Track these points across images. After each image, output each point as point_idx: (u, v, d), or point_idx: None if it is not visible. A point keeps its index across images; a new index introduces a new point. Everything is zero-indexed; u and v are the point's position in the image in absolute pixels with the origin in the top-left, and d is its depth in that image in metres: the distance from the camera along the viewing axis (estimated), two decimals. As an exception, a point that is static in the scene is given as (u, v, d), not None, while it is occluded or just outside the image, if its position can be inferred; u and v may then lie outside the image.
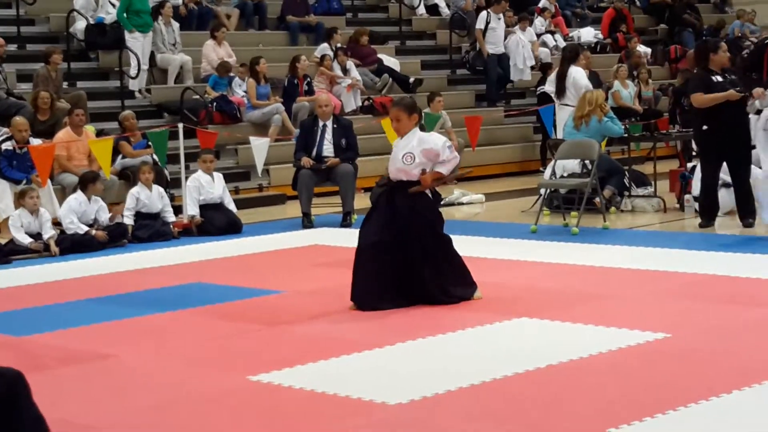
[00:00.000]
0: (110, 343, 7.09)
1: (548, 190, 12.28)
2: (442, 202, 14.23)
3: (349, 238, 11.47)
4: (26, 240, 10.98)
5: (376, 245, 7.75)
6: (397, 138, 8.03)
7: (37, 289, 9.31)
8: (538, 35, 21.38)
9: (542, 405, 5.43)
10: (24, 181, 12.22)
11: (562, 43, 21.59)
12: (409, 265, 7.76)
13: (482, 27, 19.31)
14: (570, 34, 22.30)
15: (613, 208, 12.57)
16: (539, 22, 21.76)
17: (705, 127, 11.10)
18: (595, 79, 15.23)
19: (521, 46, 19.74)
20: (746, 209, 11.21)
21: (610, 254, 9.94)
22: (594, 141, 12.00)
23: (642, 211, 12.70)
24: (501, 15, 19.48)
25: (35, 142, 12.63)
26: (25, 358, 6.83)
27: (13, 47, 16.41)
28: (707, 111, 11.03)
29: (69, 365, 6.58)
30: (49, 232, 11.15)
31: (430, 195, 8.04)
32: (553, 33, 21.83)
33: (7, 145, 12.49)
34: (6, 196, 12.24)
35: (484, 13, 19.38)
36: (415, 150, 7.82)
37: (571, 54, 14.46)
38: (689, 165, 12.80)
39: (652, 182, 13.27)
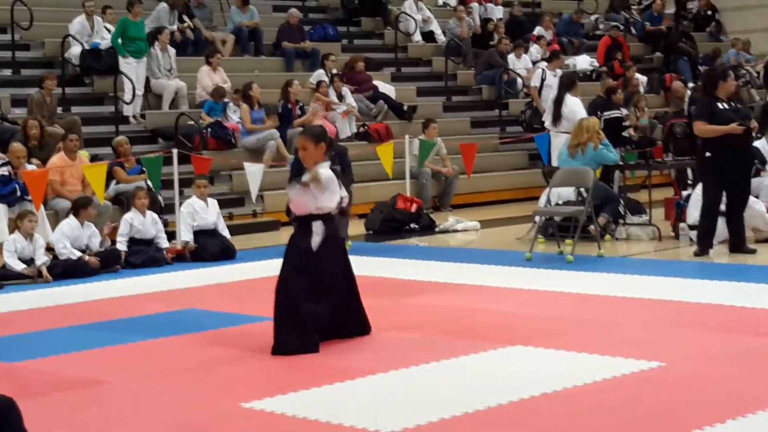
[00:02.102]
0: (103, 370, 7.05)
1: (543, 218, 12.27)
2: (437, 230, 14.25)
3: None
4: (19, 266, 10.94)
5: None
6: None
7: (29, 315, 9.27)
8: (534, 63, 21.42)
9: (536, 434, 5.40)
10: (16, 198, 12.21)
11: (558, 71, 21.63)
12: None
13: (538, 84, 18.37)
14: (565, 62, 22.34)
15: (608, 236, 12.56)
16: (535, 50, 21.81)
17: (708, 154, 11.11)
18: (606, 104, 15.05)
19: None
20: (737, 239, 11.24)
21: (604, 282, 9.91)
22: (589, 169, 12.01)
23: (637, 239, 12.69)
24: (556, 71, 18.39)
25: (29, 167, 12.61)
26: (17, 384, 6.79)
27: (7, 72, 16.42)
28: (710, 138, 11.05)
29: (61, 391, 6.54)
30: (41, 258, 11.11)
31: (315, 236, 7.50)
32: (549, 60, 21.85)
33: (3, 171, 12.46)
34: (1, 220, 12.21)
35: (539, 70, 18.50)
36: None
37: (568, 82, 14.49)
38: (684, 193, 12.80)
39: (647, 210, 13.26)
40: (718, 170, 11.10)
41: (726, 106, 11.16)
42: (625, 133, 14.80)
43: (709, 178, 11.28)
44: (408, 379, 6.54)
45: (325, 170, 7.50)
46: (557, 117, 14.13)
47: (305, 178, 7.48)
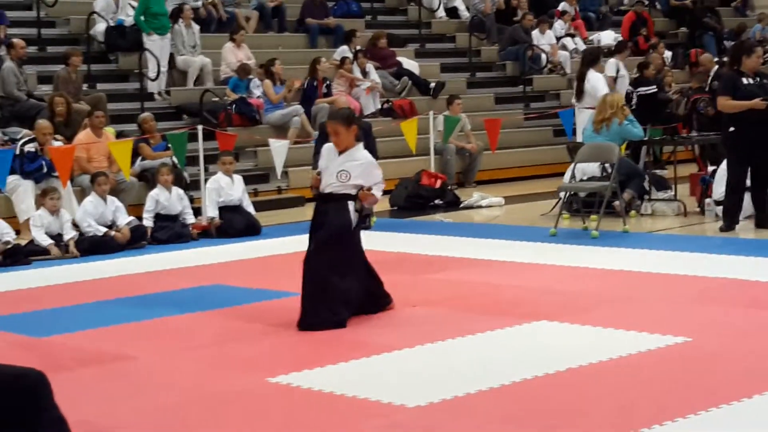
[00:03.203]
0: (129, 345, 7.09)
1: (568, 194, 12.24)
2: (461, 205, 14.24)
3: (367, 241, 11.43)
4: (46, 241, 11.01)
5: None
6: (331, 147, 7.65)
7: (56, 290, 9.33)
8: (558, 38, 21.34)
9: (562, 408, 5.40)
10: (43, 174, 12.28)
11: (582, 47, 21.55)
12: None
13: (613, 74, 17.18)
14: (590, 38, 22.25)
15: (633, 212, 12.51)
16: (559, 25, 21.72)
17: (732, 129, 11.07)
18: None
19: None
20: (763, 214, 11.19)
21: (629, 258, 9.89)
22: (614, 144, 11.95)
23: (662, 214, 12.64)
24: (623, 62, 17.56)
25: (55, 143, 12.67)
26: (44, 359, 6.84)
27: (33, 49, 16.46)
28: (734, 113, 11.00)
29: (88, 366, 6.59)
30: (69, 234, 11.18)
31: (352, 214, 7.56)
32: (572, 36, 21.79)
33: (30, 147, 12.53)
34: (28, 197, 12.29)
35: (613, 61, 17.44)
36: (353, 169, 7.51)
37: (591, 57, 14.42)
38: (710, 169, 12.74)
39: (673, 186, 13.21)
40: (741, 145, 11.05)
41: (751, 81, 11.09)
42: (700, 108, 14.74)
43: (733, 154, 11.23)
44: (433, 354, 6.56)
45: (364, 153, 7.61)
46: (580, 92, 14.08)
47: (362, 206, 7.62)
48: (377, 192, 7.63)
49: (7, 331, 7.64)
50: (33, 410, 1.88)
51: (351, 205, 7.53)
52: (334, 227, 7.49)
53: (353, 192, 7.54)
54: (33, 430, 1.85)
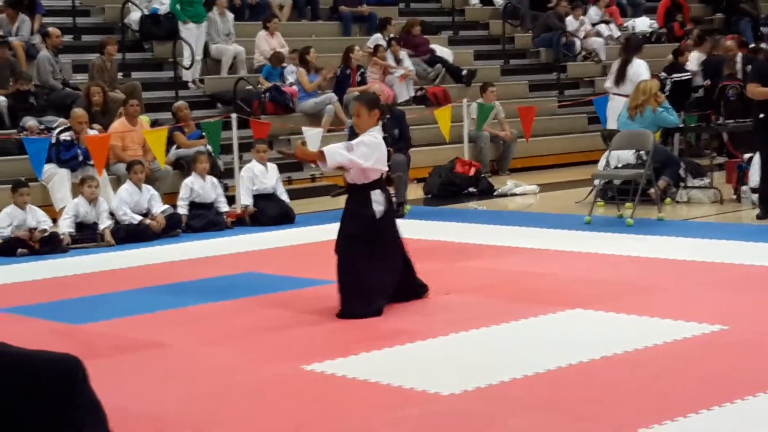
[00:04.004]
0: (164, 332, 7.14)
1: (602, 181, 12.18)
2: (495, 194, 14.21)
3: (401, 229, 11.45)
4: (68, 230, 11.01)
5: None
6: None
7: (92, 278, 9.40)
8: (593, 25, 21.23)
9: (595, 396, 5.39)
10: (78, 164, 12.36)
11: (616, 33, 21.45)
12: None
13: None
14: (624, 24, 22.12)
15: (668, 199, 12.44)
16: (593, 12, 21.61)
17: (762, 116, 11.01)
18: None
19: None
20: None
21: (665, 245, 9.84)
22: (648, 131, 11.89)
23: (698, 202, 12.57)
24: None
25: (91, 132, 12.74)
26: (80, 346, 6.90)
27: (68, 38, 16.53)
28: (764, 99, 10.96)
29: (124, 353, 6.63)
30: (105, 222, 11.25)
31: (375, 204, 7.48)
32: (607, 22, 21.66)
33: (65, 136, 12.61)
34: (64, 185, 12.37)
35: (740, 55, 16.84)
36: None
37: (636, 44, 14.36)
38: (746, 156, 12.65)
39: (709, 173, 13.13)
40: None
41: None
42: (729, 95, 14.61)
43: (766, 140, 11.18)
44: (467, 342, 6.55)
45: (369, 137, 7.44)
46: (621, 78, 14.00)
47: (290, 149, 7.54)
48: (333, 155, 7.32)
49: (46, 319, 7.70)
50: (69, 395, 1.89)
51: (374, 195, 7.48)
52: (361, 218, 7.47)
53: (375, 179, 7.48)
54: (69, 415, 1.87)
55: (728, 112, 15.55)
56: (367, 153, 7.36)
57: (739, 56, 16.88)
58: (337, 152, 7.32)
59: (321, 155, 7.36)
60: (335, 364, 6.09)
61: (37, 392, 1.90)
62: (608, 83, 14.54)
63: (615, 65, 14.66)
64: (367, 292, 7.33)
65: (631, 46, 14.26)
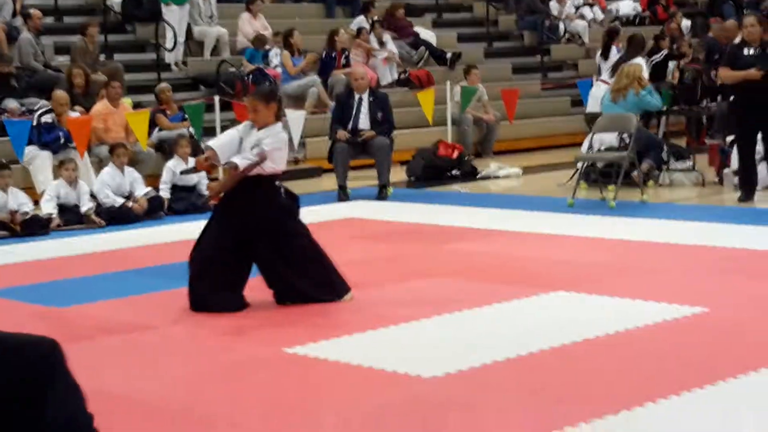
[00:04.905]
0: (148, 314, 7.13)
1: (586, 164, 12.20)
2: (478, 176, 14.21)
3: (384, 212, 11.50)
4: (52, 212, 10.99)
5: (214, 253, 7.22)
6: (250, 126, 7.35)
7: (74, 261, 9.37)
8: (576, 8, 21.23)
9: (578, 379, 5.41)
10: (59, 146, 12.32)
11: (600, 16, 21.45)
12: (262, 266, 7.24)
13: None
14: (608, 7, 22.13)
15: (651, 182, 12.48)
16: (577, -6, 21.61)
17: (732, 98, 11.14)
18: None
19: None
20: None
21: (647, 228, 9.86)
22: (631, 114, 11.91)
23: (680, 185, 12.61)
24: None
25: (73, 114, 12.69)
26: (64, 328, 6.89)
27: (50, 19, 16.44)
28: (737, 84, 11.06)
29: (108, 335, 6.62)
30: (86, 205, 11.21)
31: (280, 189, 7.31)
32: (591, 5, 21.66)
33: (47, 118, 12.56)
34: (45, 167, 12.33)
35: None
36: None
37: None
38: (728, 139, 12.68)
39: (691, 156, 13.16)
40: (745, 115, 11.10)
41: (752, 51, 11.10)
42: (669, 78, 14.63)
43: (738, 123, 11.28)
44: (449, 325, 6.56)
45: (278, 138, 7.26)
46: (615, 72, 14.01)
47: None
48: (239, 160, 7.10)
49: (27, 302, 7.68)
50: (46, 378, 1.89)
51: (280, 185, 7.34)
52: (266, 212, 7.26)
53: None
54: (47, 398, 1.86)
55: (685, 95, 15.38)
56: (280, 157, 7.27)
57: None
58: (249, 163, 7.10)
59: (235, 169, 7.15)
60: (318, 347, 6.10)
61: (13, 376, 1.89)
62: (603, 75, 14.49)
63: (612, 59, 14.65)
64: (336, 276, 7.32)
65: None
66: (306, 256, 7.25)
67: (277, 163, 7.26)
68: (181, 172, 11.07)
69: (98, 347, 6.35)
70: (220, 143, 7.39)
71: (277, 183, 7.31)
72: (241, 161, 7.10)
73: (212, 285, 7.15)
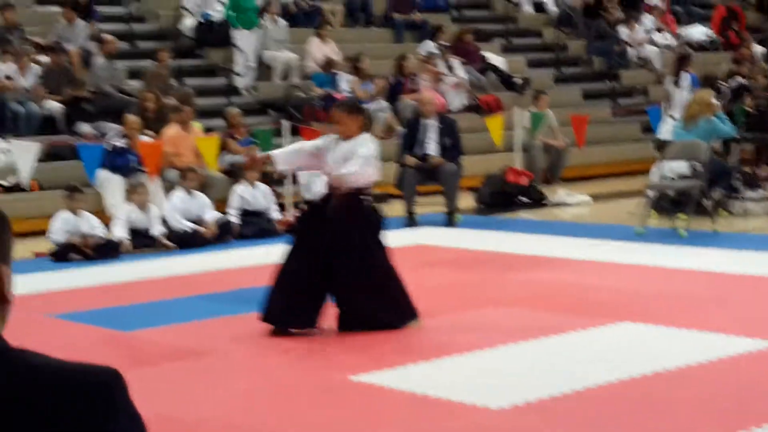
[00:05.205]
0: (213, 340, 7.14)
1: (656, 192, 12.07)
2: (547, 203, 14.11)
3: (452, 238, 11.46)
4: (123, 236, 11.10)
5: (301, 265, 7.23)
6: (336, 139, 7.39)
7: (143, 286, 9.43)
8: (647, 33, 21.06)
9: (645, 412, 5.33)
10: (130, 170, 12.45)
11: (671, 41, 21.26)
12: (336, 284, 7.18)
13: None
14: (679, 32, 21.92)
15: (723, 211, 12.30)
16: (648, 20, 21.43)
17: None
18: None
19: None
20: None
21: (718, 258, 9.72)
22: (702, 142, 11.76)
23: (753, 214, 12.41)
24: None
25: (144, 138, 12.83)
26: (129, 353, 6.95)
27: (124, 44, 16.66)
28: None
29: (172, 361, 6.65)
30: (157, 228, 11.31)
31: (369, 202, 7.34)
32: (662, 31, 21.48)
33: (118, 142, 12.71)
34: (117, 191, 12.46)
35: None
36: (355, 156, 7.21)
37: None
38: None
39: (764, 184, 12.97)
40: None
41: None
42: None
43: None
44: (516, 355, 6.51)
45: (365, 147, 7.27)
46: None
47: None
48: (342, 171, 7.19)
49: (95, 325, 7.75)
50: (108, 410, 1.88)
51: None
52: (357, 227, 7.28)
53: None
54: (107, 428, 1.85)
55: (757, 123, 15.15)
56: (374, 166, 7.33)
57: None
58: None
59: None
60: (383, 376, 6.07)
61: (73, 408, 1.88)
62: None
63: (683, 84, 14.52)
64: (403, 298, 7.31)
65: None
66: (382, 277, 7.24)
67: (370, 173, 7.28)
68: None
69: (163, 372, 6.38)
70: (282, 150, 7.60)
71: (363, 197, 7.30)
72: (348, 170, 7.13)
73: (289, 300, 7.14)
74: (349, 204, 7.22)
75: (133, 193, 11.47)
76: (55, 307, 8.41)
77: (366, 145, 7.28)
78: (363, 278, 7.15)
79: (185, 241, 11.28)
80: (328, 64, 16.50)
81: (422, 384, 5.87)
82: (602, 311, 7.58)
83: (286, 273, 7.23)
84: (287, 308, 7.14)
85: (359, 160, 7.17)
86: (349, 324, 7.18)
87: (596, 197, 14.51)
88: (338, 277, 7.17)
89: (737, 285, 8.56)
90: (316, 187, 12.25)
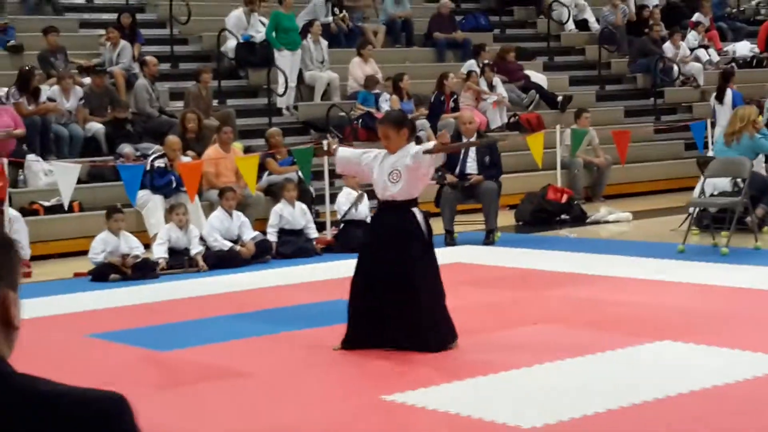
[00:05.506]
0: (248, 360, 7.14)
1: (698, 209, 11.95)
2: (588, 221, 14.02)
3: (491, 257, 11.41)
4: (161, 256, 11.15)
5: (363, 280, 7.28)
6: (384, 153, 7.37)
7: (181, 305, 9.46)
8: (691, 50, 20.91)
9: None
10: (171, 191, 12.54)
11: (716, 58, 21.11)
12: (384, 300, 7.11)
13: None
14: (725, 48, 21.76)
15: (765, 228, 12.14)
16: (692, 36, 21.29)
17: None
18: None
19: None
20: None
21: (761, 276, 9.59)
22: (745, 158, 11.63)
23: (797, 231, 12.25)
24: None
25: (185, 159, 12.90)
26: (165, 372, 6.97)
27: (166, 66, 16.80)
28: None
29: (206, 381, 6.64)
30: (196, 248, 11.35)
31: (420, 217, 7.27)
32: (706, 47, 21.32)
33: (159, 163, 12.79)
34: (157, 211, 12.53)
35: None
36: (402, 168, 7.17)
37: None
38: None
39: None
40: None
41: None
42: None
43: None
44: (550, 374, 6.44)
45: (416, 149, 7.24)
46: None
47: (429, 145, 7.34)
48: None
49: (133, 345, 7.76)
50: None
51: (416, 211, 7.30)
52: (408, 243, 7.22)
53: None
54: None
55: None
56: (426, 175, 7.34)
57: None
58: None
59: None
60: (416, 395, 6.03)
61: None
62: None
63: (727, 101, 14.40)
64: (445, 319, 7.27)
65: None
66: (435, 297, 7.18)
67: (425, 181, 7.30)
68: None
69: (195, 392, 6.37)
70: (345, 151, 7.67)
71: (416, 209, 7.28)
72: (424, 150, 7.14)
73: (365, 320, 7.15)
74: (401, 217, 7.20)
75: (173, 213, 11.53)
76: (93, 327, 8.45)
77: (413, 151, 7.25)
78: (408, 297, 7.09)
79: (223, 261, 11.31)
80: (372, 80, 16.49)
81: (455, 403, 5.83)
82: (640, 329, 7.50)
83: (353, 291, 7.27)
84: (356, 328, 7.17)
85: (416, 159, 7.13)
86: (386, 342, 7.13)
87: (638, 215, 14.39)
88: (384, 293, 7.12)
89: (779, 303, 8.44)
90: (361, 208, 12.28)
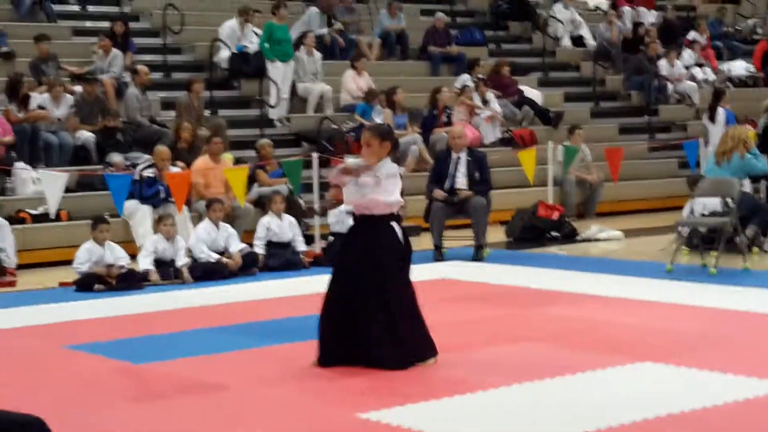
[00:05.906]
0: (225, 374, 7.05)
1: (688, 229, 11.88)
2: (578, 238, 13.95)
3: (479, 273, 11.34)
4: (149, 267, 11.08)
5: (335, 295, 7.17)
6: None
7: (163, 317, 9.39)
8: (687, 68, 20.88)
9: (658, 457, 5.17)
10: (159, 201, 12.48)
11: (711, 77, 21.08)
12: (359, 315, 7.05)
13: None
14: (720, 67, 21.73)
15: (755, 249, 12.09)
16: (688, 55, 21.25)
17: None
18: None
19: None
20: None
21: (749, 297, 9.52)
22: (734, 178, 11.58)
23: (787, 252, 12.19)
24: None
25: (173, 169, 12.84)
26: (141, 385, 6.90)
27: (159, 75, 16.74)
28: None
29: (183, 395, 6.56)
30: (182, 260, 11.28)
31: (398, 232, 7.19)
32: (702, 66, 21.30)
33: (148, 172, 12.73)
34: (145, 221, 12.47)
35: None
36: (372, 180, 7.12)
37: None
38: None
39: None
40: None
41: None
42: None
43: None
44: (530, 394, 6.36)
45: (386, 169, 7.19)
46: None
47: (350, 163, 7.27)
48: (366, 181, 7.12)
49: (109, 357, 7.68)
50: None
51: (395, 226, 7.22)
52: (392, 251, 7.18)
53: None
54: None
55: None
56: (395, 187, 7.20)
57: None
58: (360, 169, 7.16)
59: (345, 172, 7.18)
60: (392, 413, 5.95)
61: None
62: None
63: (719, 120, 14.35)
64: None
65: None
66: (404, 313, 7.11)
67: (392, 195, 7.17)
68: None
69: (171, 406, 6.29)
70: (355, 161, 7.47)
71: (394, 224, 7.19)
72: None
73: (337, 336, 7.07)
74: (378, 230, 7.13)
75: (161, 224, 11.46)
76: (73, 338, 8.38)
77: (388, 167, 7.19)
78: (381, 313, 7.04)
79: (210, 272, 11.24)
80: (371, 94, 16.42)
81: (431, 422, 5.75)
82: (624, 350, 7.42)
83: (325, 306, 7.16)
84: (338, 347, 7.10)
85: (381, 179, 7.07)
86: (359, 359, 7.06)
87: (629, 233, 14.33)
88: (359, 307, 7.06)
89: (765, 325, 8.35)
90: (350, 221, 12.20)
